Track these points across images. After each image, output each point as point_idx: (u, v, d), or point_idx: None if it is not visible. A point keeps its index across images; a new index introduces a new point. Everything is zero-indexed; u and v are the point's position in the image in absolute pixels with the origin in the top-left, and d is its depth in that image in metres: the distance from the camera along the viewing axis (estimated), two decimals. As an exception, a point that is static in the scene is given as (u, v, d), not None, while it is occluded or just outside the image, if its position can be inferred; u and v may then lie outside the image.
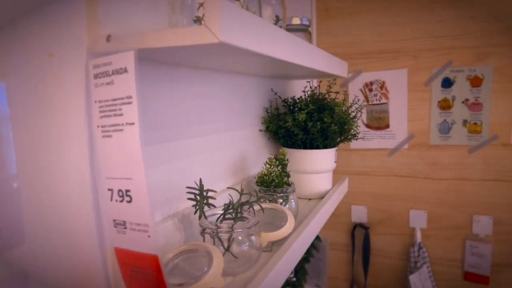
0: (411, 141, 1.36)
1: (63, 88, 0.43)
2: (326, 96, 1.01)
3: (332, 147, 0.97)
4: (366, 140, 1.42)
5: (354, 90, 1.42)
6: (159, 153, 0.58)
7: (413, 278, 1.33)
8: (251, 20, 0.42)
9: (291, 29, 0.91)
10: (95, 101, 0.44)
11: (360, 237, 1.46)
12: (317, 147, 0.96)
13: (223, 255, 0.58)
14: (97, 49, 0.44)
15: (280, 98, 1.03)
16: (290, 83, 1.17)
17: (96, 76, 0.44)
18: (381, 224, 1.44)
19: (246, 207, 0.61)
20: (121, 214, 0.44)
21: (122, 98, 0.42)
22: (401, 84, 1.35)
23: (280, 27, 0.79)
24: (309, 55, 0.66)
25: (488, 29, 1.21)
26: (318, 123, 0.91)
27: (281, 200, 0.80)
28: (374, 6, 1.35)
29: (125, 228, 0.44)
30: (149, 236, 0.42)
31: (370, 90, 1.40)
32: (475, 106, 1.26)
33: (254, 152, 0.93)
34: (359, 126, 0.99)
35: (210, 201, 0.59)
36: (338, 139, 0.98)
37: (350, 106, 1.00)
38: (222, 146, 0.78)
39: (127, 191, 0.43)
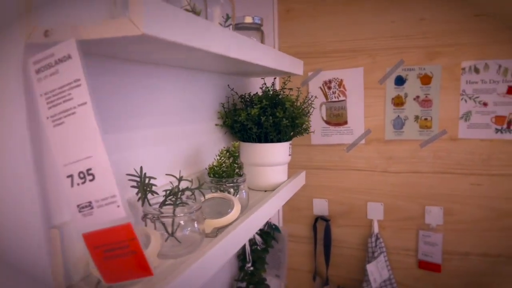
0: (367, 137, 1.43)
1: (4, 83, 0.46)
2: (281, 92, 1.06)
3: (285, 141, 1.02)
4: (326, 135, 1.48)
5: (315, 88, 1.47)
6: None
7: (370, 267, 1.39)
8: (175, 14, 0.46)
9: (243, 27, 0.95)
10: (41, 95, 0.47)
11: (321, 230, 1.51)
12: (271, 141, 1.01)
13: (166, 239, 0.62)
14: (35, 44, 0.47)
15: (237, 94, 1.07)
16: (249, 80, 1.21)
17: (38, 71, 0.47)
18: (341, 216, 1.50)
19: (189, 194, 0.64)
20: (85, 196, 0.46)
21: (70, 83, 0.45)
22: (358, 82, 1.41)
23: (229, 25, 0.83)
24: (251, 50, 0.70)
25: (437, 30, 1.29)
26: (271, 117, 0.96)
27: (232, 190, 0.84)
28: (332, 8, 1.41)
29: (92, 208, 0.46)
30: (118, 206, 0.44)
31: (329, 88, 1.45)
32: (425, 102, 1.34)
33: (210, 146, 0.97)
34: (310, 121, 1.04)
35: (154, 188, 0.63)
36: (291, 133, 1.02)
37: (303, 102, 1.05)
38: (174, 139, 0.81)
39: (88, 170, 0.45)
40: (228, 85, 1.05)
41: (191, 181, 0.65)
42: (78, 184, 0.46)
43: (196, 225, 0.65)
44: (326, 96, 1.46)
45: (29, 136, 0.49)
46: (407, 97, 1.36)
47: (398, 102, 1.37)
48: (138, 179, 0.59)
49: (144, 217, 0.60)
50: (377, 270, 1.40)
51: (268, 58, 0.80)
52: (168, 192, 0.61)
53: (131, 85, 0.68)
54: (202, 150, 0.93)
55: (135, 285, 0.51)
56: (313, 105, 1.13)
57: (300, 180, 1.14)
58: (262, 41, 0.97)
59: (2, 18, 0.45)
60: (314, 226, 1.52)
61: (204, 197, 0.70)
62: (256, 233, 1.18)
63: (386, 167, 1.41)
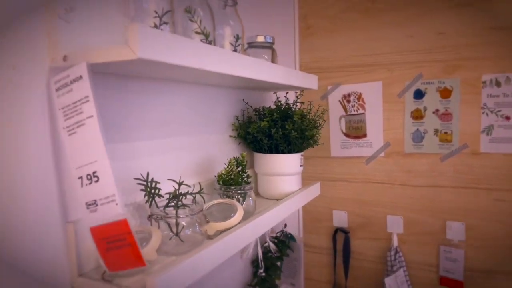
0: (387, 149, 1.43)
1: (27, 99, 0.55)
2: (293, 106, 1.11)
3: (295, 153, 1.06)
4: (345, 148, 1.50)
5: (334, 101, 1.50)
6: (117, 151, 0.70)
7: (388, 281, 1.38)
8: (169, 39, 0.53)
9: (255, 45, 1.02)
10: (59, 109, 0.56)
11: (341, 241, 1.52)
12: (282, 152, 1.06)
13: (171, 238, 0.69)
14: (57, 67, 0.56)
15: (251, 107, 1.13)
16: (266, 95, 1.28)
17: (58, 89, 0.56)
18: (360, 228, 1.50)
19: (190, 198, 0.71)
20: (91, 195, 0.54)
21: (81, 99, 0.54)
22: (377, 96, 1.43)
23: (239, 44, 0.90)
24: (251, 67, 0.76)
25: (456, 44, 1.29)
26: (280, 129, 1.01)
27: (239, 197, 0.89)
28: (351, 24, 1.44)
29: (96, 205, 0.54)
30: (116, 204, 0.52)
31: (348, 101, 1.48)
32: (445, 116, 1.33)
33: (224, 155, 1.03)
34: (320, 133, 1.08)
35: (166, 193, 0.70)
36: (302, 145, 1.07)
37: (315, 115, 1.10)
38: (187, 148, 0.89)
39: (94, 172, 0.54)
40: (243, 99, 1.12)
41: (189, 186, 0.71)
42: (86, 185, 0.54)
43: (197, 226, 0.71)
44: (345, 109, 1.49)
45: (51, 144, 0.58)
46: (426, 110, 1.35)
47: (417, 115, 1.37)
48: (145, 183, 0.66)
49: (150, 217, 0.67)
50: (396, 284, 1.38)
51: (270, 74, 0.85)
52: (170, 195, 0.68)
53: (145, 100, 0.76)
54: (215, 159, 1.00)
55: (136, 274, 0.58)
56: (322, 118, 1.17)
57: (313, 190, 1.17)
58: (273, 58, 1.03)
59: (32, 46, 0.55)
60: (334, 237, 1.54)
61: (205, 201, 0.76)
62: (271, 241, 1.22)
63: (406, 180, 1.41)
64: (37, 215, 0.56)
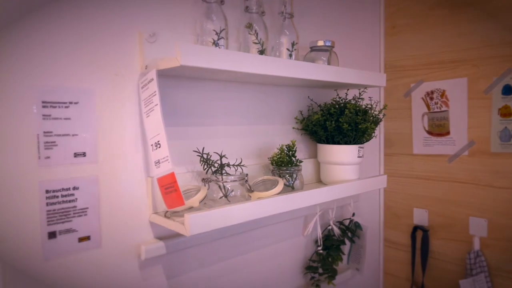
0: (471, 148, 1.38)
1: (125, 95, 0.86)
2: (354, 101, 1.22)
3: (353, 144, 1.17)
4: (428, 146, 1.49)
5: (417, 99, 1.51)
6: (187, 132, 0.96)
7: (464, 283, 1.33)
8: (204, 50, 0.76)
9: (316, 49, 1.18)
10: (142, 100, 0.86)
11: (420, 239, 1.51)
12: (338, 143, 1.18)
13: (220, 198, 0.92)
14: (143, 72, 0.86)
15: (316, 103, 1.28)
16: (333, 92, 1.39)
17: (142, 88, 0.86)
18: (441, 228, 1.47)
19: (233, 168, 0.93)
20: (157, 156, 0.82)
21: (152, 94, 0.82)
22: (461, 93, 1.39)
23: (294, 50, 1.08)
24: (288, 68, 0.93)
25: (554, 33, 1.18)
26: (333, 122, 1.15)
27: (288, 177, 1.07)
28: (435, 21, 1.44)
29: (159, 163, 0.82)
30: (168, 162, 0.79)
31: (431, 98, 1.47)
32: (537, 113, 1.22)
33: (286, 143, 1.22)
34: (373, 127, 1.15)
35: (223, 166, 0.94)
36: (358, 137, 1.17)
37: (370, 109, 1.18)
38: (248, 135, 1.11)
39: (158, 141, 0.82)
40: (308, 96, 1.28)
41: (221, 157, 0.93)
42: (154, 150, 0.82)
43: (239, 191, 0.93)
44: (428, 106, 1.48)
45: (139, 122, 0.87)
46: (516, 107, 1.26)
47: (506, 112, 1.29)
48: (200, 155, 0.91)
49: (203, 180, 0.92)
50: (474, 289, 1.32)
51: (308, 73, 1.00)
52: (218, 165, 0.91)
53: (211, 96, 1.02)
54: (276, 146, 1.19)
55: (184, 215, 0.83)
56: (373, 113, 1.22)
57: (375, 182, 1.24)
58: (330, 60, 1.17)
59: (129, 59, 0.85)
60: (413, 235, 1.54)
61: (242, 171, 0.96)
62: (335, 225, 1.34)
63: (492, 181, 1.33)
64: (130, 171, 0.87)
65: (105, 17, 0.82)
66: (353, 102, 1.22)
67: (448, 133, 1.43)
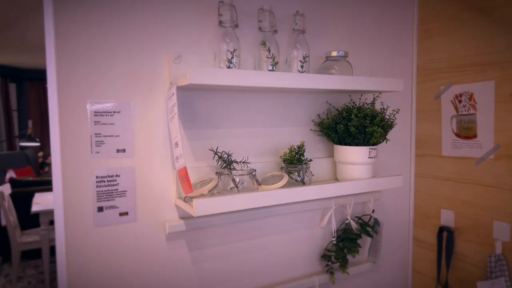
0: (497, 152, 1.37)
1: (156, 105, 1.10)
2: (368, 106, 1.32)
3: (364, 145, 1.27)
4: (455, 148, 1.50)
5: (446, 101, 1.53)
6: (205, 134, 1.18)
7: (481, 285, 1.35)
8: (206, 70, 0.96)
9: (331, 58, 1.30)
10: (168, 109, 1.10)
11: (446, 240, 1.54)
12: (349, 144, 1.30)
13: (231, 189, 1.12)
14: (169, 87, 1.09)
15: (334, 107, 1.40)
16: (353, 97, 1.49)
17: (168, 99, 1.09)
18: (466, 230, 1.48)
19: (239, 165, 1.12)
20: (176, 153, 1.06)
21: (174, 105, 1.05)
22: (489, 96, 1.38)
23: (305, 62, 1.22)
24: (280, 80, 1.08)
25: None
26: (342, 125, 1.27)
27: (296, 174, 1.23)
28: (467, 23, 1.44)
29: (177, 159, 1.06)
30: (183, 158, 1.02)
31: (460, 101, 1.48)
32: (562, 118, 1.18)
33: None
34: (380, 131, 1.24)
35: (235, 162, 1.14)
36: (366, 139, 1.27)
37: (380, 114, 1.27)
38: (262, 137, 1.28)
39: (176, 142, 1.05)
40: (327, 101, 1.40)
41: (227, 155, 1.12)
42: (174, 148, 1.05)
43: (246, 182, 1.12)
44: (456, 109, 1.50)
45: (167, 126, 1.11)
46: (541, 111, 1.24)
47: (532, 116, 1.27)
48: (215, 152, 1.12)
49: (216, 173, 1.12)
50: (494, 293, 1.33)
51: (298, 83, 1.13)
52: (229, 160, 1.11)
53: (227, 102, 1.22)
54: (290, 145, 1.34)
55: (198, 198, 1.05)
56: (384, 117, 1.29)
57: (386, 182, 1.33)
58: (342, 69, 1.28)
59: (157, 77, 1.09)
60: (439, 235, 1.57)
61: (247, 166, 1.14)
62: (353, 219, 1.45)
63: (517, 186, 1.32)
64: (159, 164, 1.11)
65: (139, 42, 1.06)
66: (366, 106, 1.32)
67: (475, 136, 1.44)
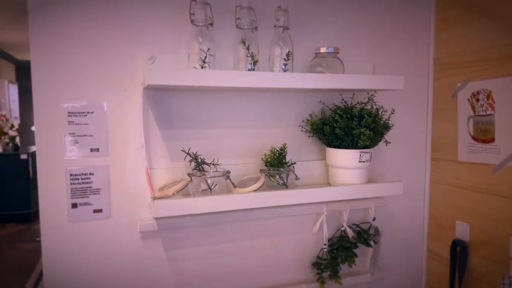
0: (516, 159, 1.19)
1: (131, 105, 1.12)
2: (359, 106, 1.22)
3: (356, 148, 1.18)
4: (472, 153, 1.34)
5: (463, 100, 1.36)
6: (192, 135, 1.17)
7: (491, 310, 1.19)
8: (167, 71, 0.95)
9: (320, 55, 1.22)
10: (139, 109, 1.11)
11: (460, 254, 1.38)
12: (337, 147, 1.21)
13: (202, 190, 1.11)
14: (144, 88, 1.10)
15: (328, 107, 1.32)
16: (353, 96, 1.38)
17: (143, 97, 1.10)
18: (481, 245, 1.31)
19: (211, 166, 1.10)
20: (142, 154, 1.07)
21: (140, 106, 1.06)
22: (508, 94, 1.20)
23: (288, 59, 1.16)
24: (237, 78, 1.02)
25: None
26: (328, 127, 1.19)
27: (277, 176, 1.18)
28: (484, 10, 1.27)
29: (144, 160, 1.07)
30: (145, 159, 1.04)
31: (477, 100, 1.31)
32: None
33: (293, 144, 1.30)
34: (368, 133, 1.14)
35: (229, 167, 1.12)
36: (354, 142, 1.18)
37: (370, 115, 1.17)
38: (247, 137, 1.24)
39: (142, 143, 1.06)
40: (320, 101, 1.32)
41: (195, 157, 1.10)
42: (141, 149, 1.06)
43: (217, 186, 1.09)
44: (473, 109, 1.33)
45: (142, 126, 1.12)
46: None
47: (555, 118, 1.08)
48: (187, 154, 1.11)
49: (188, 174, 1.11)
50: (507, 319, 1.17)
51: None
52: (198, 161, 1.10)
53: (212, 103, 1.20)
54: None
55: (159, 199, 1.05)
56: (376, 118, 1.18)
57: (380, 189, 1.22)
58: (333, 67, 1.20)
59: (134, 76, 1.10)
60: (453, 249, 1.41)
61: (216, 168, 1.12)
62: (349, 226, 1.35)
63: (538, 199, 1.14)
64: (134, 163, 1.13)
65: (115, 42, 1.08)
66: (358, 107, 1.22)
67: (493, 139, 1.26)
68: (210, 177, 1.09)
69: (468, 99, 1.35)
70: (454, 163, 1.42)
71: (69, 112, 1.06)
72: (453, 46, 1.40)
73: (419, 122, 1.51)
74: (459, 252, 1.37)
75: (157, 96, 1.13)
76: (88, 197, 1.09)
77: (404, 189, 1.47)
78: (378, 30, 1.40)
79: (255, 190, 1.10)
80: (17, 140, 5.35)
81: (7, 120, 5.52)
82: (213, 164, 1.12)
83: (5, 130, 5.32)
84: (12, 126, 5.39)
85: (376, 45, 1.41)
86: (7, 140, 5.29)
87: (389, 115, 1.21)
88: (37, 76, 1.03)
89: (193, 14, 1.08)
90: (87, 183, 1.09)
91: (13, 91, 5.79)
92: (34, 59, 1.02)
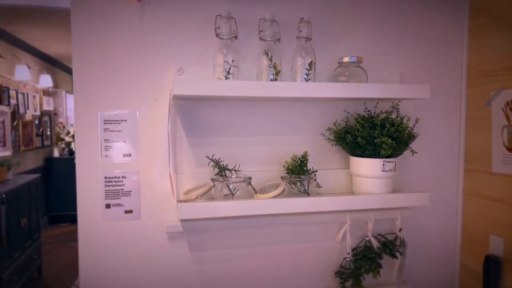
0: (553, 171, 1.12)
1: (160, 114, 1.20)
2: (382, 115, 1.22)
3: (380, 157, 1.18)
4: (507, 164, 1.27)
5: (497, 109, 1.31)
6: (207, 141, 1.23)
7: (524, 330, 1.12)
8: (188, 82, 1.01)
9: (342, 64, 1.24)
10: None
11: (493, 270, 1.32)
12: (361, 156, 1.22)
13: (225, 195, 1.16)
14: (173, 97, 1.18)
15: (352, 116, 1.32)
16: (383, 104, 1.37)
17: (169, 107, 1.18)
18: (516, 262, 1.24)
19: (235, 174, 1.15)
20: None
21: (168, 114, 1.14)
22: (544, 103, 1.14)
23: (311, 69, 1.19)
24: (258, 89, 1.06)
25: None
26: (350, 135, 1.19)
27: (299, 184, 1.20)
28: (519, 17, 1.22)
29: (169, 165, 1.15)
30: (168, 165, 1.11)
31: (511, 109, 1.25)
32: None
33: (315, 152, 1.31)
34: (390, 142, 1.13)
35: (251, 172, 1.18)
36: (377, 151, 1.18)
37: (393, 125, 1.16)
38: (267, 144, 1.27)
39: (168, 149, 1.14)
40: (345, 110, 1.33)
41: (216, 163, 1.14)
42: (167, 154, 1.13)
43: (241, 189, 1.14)
44: (508, 118, 1.27)
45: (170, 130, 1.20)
46: None
47: None
48: (210, 159, 1.17)
49: (212, 179, 1.17)
50: None
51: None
52: (221, 167, 1.15)
53: (229, 112, 1.25)
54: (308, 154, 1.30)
55: (183, 203, 1.11)
56: (400, 128, 1.16)
57: (404, 199, 1.21)
58: (356, 76, 1.21)
59: (164, 87, 1.18)
60: (486, 264, 1.34)
61: (237, 174, 1.16)
62: (374, 236, 1.33)
63: None
64: (162, 168, 1.20)
65: (148, 56, 1.17)
66: (382, 116, 1.22)
67: (528, 150, 1.20)
68: (232, 182, 1.14)
69: (502, 108, 1.29)
70: (488, 175, 1.36)
71: (105, 120, 1.15)
72: (486, 53, 1.35)
73: (451, 132, 1.47)
74: (492, 267, 1.30)
75: (185, 105, 1.21)
76: (120, 198, 1.18)
77: (435, 200, 1.44)
78: (406, 38, 1.39)
79: (275, 196, 1.13)
80: (72, 145, 5.75)
81: (63, 127, 5.96)
82: (234, 170, 1.17)
83: (62, 136, 5.76)
84: (68, 132, 5.81)
85: (404, 54, 1.39)
86: (63, 145, 5.72)
87: (414, 124, 1.19)
88: (78, 87, 1.14)
89: (218, 28, 1.15)
90: (119, 185, 1.18)
91: (70, 100, 6.25)
92: (76, 71, 1.13)
